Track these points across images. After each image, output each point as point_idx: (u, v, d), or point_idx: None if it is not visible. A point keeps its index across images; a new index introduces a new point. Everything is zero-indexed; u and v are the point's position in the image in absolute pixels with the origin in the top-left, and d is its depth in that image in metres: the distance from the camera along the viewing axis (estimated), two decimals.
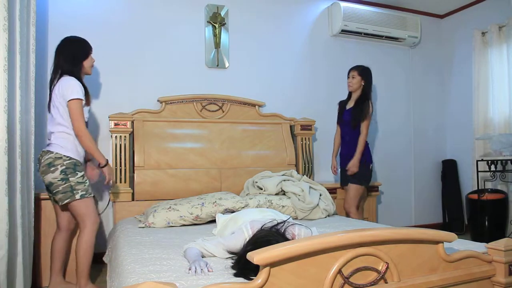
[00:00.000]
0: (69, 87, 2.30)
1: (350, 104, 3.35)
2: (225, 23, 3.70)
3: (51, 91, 2.40)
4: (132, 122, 3.14)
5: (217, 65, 3.66)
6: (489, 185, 3.97)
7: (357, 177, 3.24)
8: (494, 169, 3.75)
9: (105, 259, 2.50)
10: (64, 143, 2.33)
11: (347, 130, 3.32)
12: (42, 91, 2.92)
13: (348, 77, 3.34)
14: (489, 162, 3.75)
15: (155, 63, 3.47)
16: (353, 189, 3.26)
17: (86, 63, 2.47)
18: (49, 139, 2.39)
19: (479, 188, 3.89)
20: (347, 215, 3.27)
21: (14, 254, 2.18)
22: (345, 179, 3.35)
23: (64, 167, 2.28)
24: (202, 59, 3.64)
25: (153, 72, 3.45)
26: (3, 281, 2.03)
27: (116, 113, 3.09)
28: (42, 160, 2.33)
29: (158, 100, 3.39)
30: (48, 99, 2.44)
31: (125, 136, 3.07)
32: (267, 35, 3.90)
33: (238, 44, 3.76)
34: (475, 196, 3.84)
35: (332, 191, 3.59)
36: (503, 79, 3.98)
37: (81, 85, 2.34)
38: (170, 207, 2.64)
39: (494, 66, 4.06)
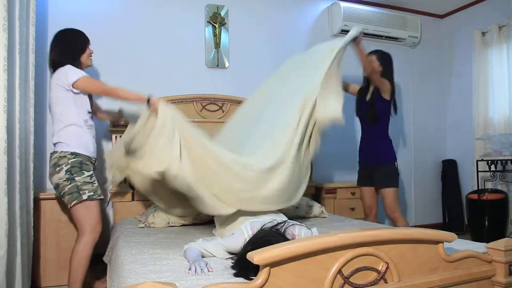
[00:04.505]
0: (67, 73, 2.16)
1: (368, 96, 3.05)
2: (225, 23, 3.70)
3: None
4: None
5: (217, 65, 3.66)
6: (489, 185, 3.97)
7: (390, 179, 2.92)
8: (494, 169, 3.75)
9: (105, 259, 2.50)
10: (68, 138, 2.18)
11: (365, 126, 3.10)
12: (42, 91, 2.92)
13: None
14: (489, 162, 3.75)
15: (155, 63, 3.47)
16: (390, 193, 2.90)
17: (84, 57, 2.33)
18: (53, 140, 2.24)
19: (479, 188, 3.89)
20: (394, 222, 2.95)
21: (14, 254, 2.17)
22: (369, 180, 3.03)
23: (69, 166, 2.12)
24: (202, 59, 3.64)
25: (153, 72, 3.44)
26: (2, 281, 2.03)
27: None
28: (50, 163, 2.21)
29: None
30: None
31: None
32: (267, 35, 3.89)
33: (238, 44, 3.75)
34: (475, 196, 3.84)
35: (332, 191, 3.59)
36: (503, 79, 3.98)
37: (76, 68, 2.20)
38: None
39: (494, 66, 4.06)
